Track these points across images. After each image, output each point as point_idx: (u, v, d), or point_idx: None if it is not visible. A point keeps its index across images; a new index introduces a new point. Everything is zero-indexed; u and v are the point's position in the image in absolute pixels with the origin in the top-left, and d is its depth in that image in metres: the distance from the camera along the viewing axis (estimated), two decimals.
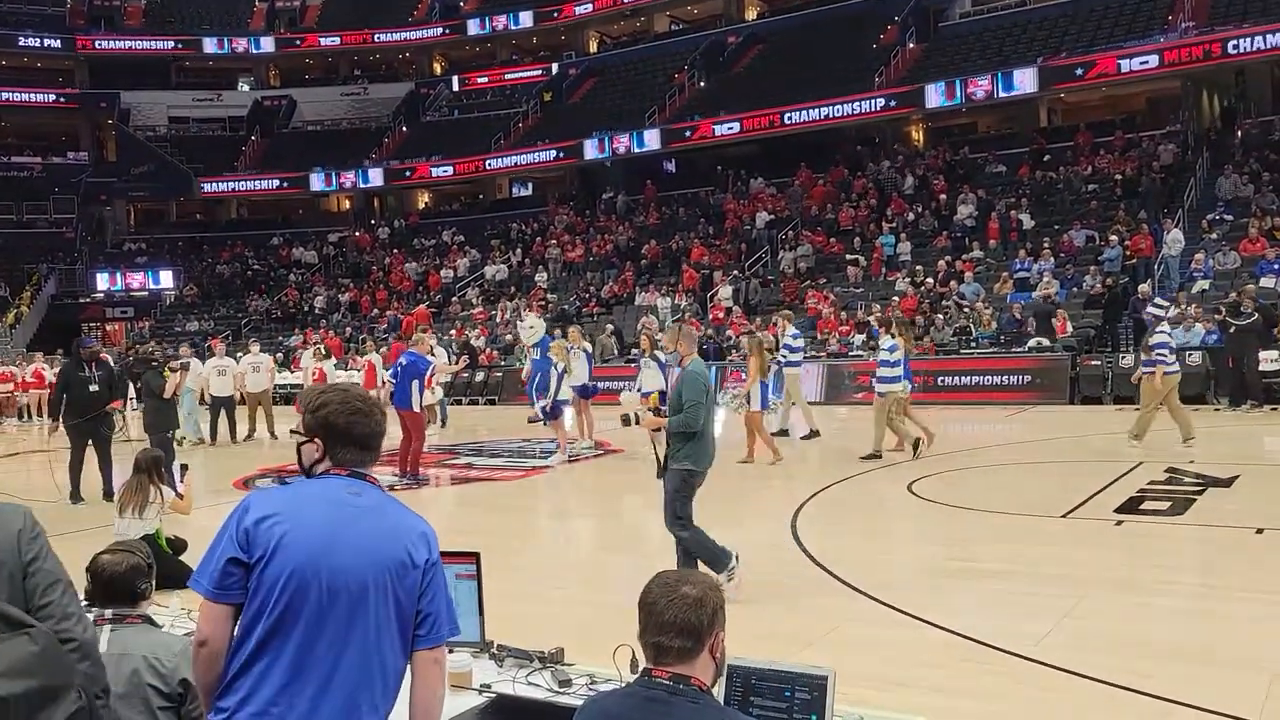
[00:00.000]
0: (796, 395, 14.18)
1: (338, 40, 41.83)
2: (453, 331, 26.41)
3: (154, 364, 12.19)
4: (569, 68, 38.61)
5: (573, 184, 36.48)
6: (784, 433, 13.72)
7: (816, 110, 28.80)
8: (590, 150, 33.11)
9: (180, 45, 41.86)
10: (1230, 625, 5.53)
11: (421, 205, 40.98)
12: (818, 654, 5.10)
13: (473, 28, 40.06)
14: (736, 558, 6.11)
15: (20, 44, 40.28)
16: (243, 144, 40.54)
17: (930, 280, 22.09)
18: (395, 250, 35.54)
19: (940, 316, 20.19)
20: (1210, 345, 16.36)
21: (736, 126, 30.21)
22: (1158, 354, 11.56)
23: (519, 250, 32.35)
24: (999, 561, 7.08)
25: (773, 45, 33.78)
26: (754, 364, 12.16)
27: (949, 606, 5.97)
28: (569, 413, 14.52)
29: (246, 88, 42.93)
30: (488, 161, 35.95)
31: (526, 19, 38.83)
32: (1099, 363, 17.14)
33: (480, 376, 23.21)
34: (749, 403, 12.09)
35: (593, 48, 40.23)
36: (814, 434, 13.69)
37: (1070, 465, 11.26)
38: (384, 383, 14.84)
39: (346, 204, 41.64)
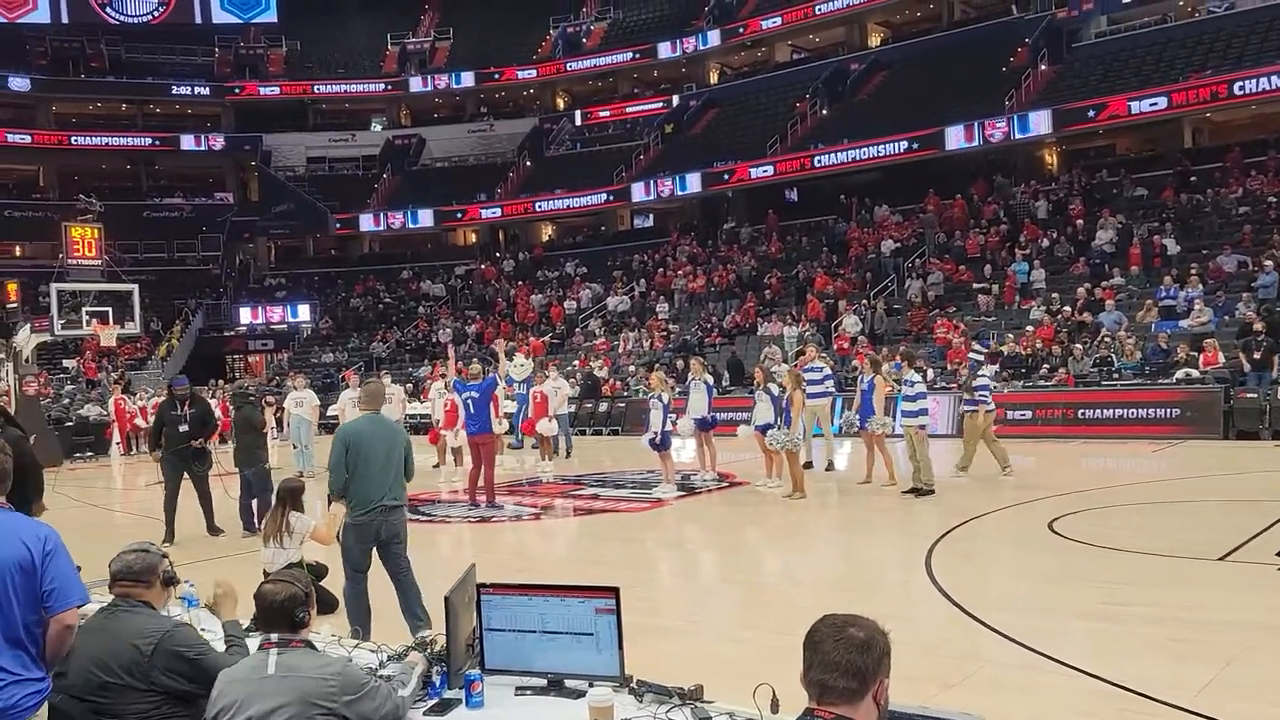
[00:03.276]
0: (810, 425, 13.92)
1: (534, 73, 43.03)
2: (576, 362, 26.71)
3: (250, 399, 12.16)
4: (690, 99, 38.87)
5: (694, 215, 36.60)
6: (808, 464, 13.45)
7: (845, 154, 29.88)
8: (638, 193, 35.10)
9: (389, 87, 44.07)
10: None
11: (546, 238, 41.74)
12: (959, 697, 4.88)
13: (663, 51, 40.32)
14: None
15: (173, 92, 42.91)
16: (375, 181, 42.12)
17: (1068, 308, 21.28)
18: (520, 282, 36.25)
19: (1079, 346, 19.39)
20: None
21: (770, 169, 31.71)
22: (979, 394, 12.71)
23: (641, 281, 32.59)
24: (1151, 605, 6.68)
25: (897, 72, 33.29)
26: (798, 398, 12.06)
27: (1099, 652, 5.66)
28: (689, 444, 14.52)
29: (379, 128, 44.63)
30: (537, 204, 38.20)
31: (714, 37, 39.02)
32: (1255, 395, 16.10)
33: (604, 407, 23.37)
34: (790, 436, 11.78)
35: (713, 79, 40.39)
36: (830, 467, 14.07)
37: (1226, 504, 10.60)
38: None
39: (473, 237, 42.72)
